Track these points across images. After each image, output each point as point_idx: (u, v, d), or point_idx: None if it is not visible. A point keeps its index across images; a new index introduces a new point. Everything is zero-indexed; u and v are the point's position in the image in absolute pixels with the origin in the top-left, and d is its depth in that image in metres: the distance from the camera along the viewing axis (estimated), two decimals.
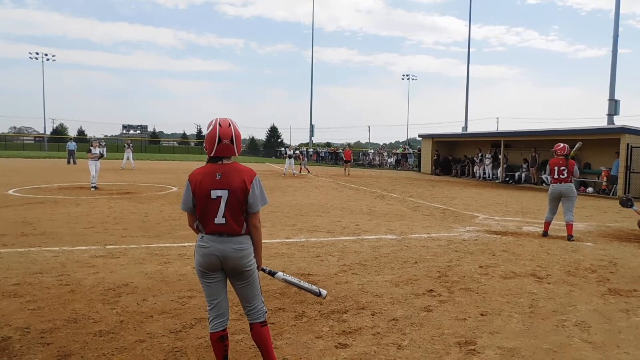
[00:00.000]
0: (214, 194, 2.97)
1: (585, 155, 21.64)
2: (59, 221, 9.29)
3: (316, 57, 56.60)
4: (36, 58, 66.92)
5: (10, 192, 14.10)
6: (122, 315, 4.37)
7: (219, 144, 3.00)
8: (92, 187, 15.06)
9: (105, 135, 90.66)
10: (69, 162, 31.21)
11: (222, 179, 2.99)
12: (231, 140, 3.01)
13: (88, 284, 5.28)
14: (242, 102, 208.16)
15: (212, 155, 3.04)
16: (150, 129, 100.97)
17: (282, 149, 57.94)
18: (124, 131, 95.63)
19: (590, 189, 19.98)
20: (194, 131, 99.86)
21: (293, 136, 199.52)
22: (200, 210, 3.02)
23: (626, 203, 9.27)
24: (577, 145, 9.05)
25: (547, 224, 9.09)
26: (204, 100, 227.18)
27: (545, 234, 9.01)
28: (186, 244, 7.36)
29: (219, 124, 3.02)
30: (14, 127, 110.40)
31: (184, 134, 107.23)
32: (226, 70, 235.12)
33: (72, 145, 32.90)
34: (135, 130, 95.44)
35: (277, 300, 4.91)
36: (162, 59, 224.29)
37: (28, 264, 6.04)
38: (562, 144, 8.89)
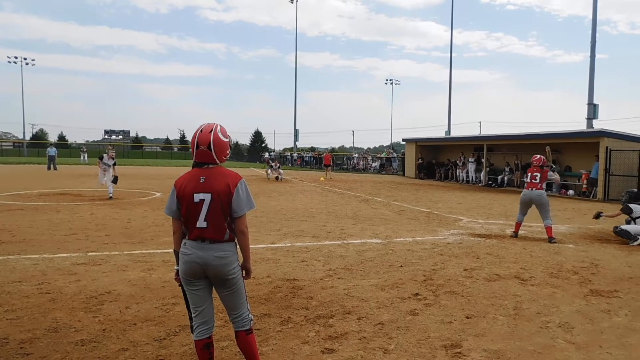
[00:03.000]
0: (197, 197, 2.94)
1: (565, 158, 22.00)
2: (39, 228, 9.11)
3: (299, 62, 56.65)
4: (15, 62, 65.90)
5: None
6: (105, 324, 4.29)
7: (197, 149, 2.99)
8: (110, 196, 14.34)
9: (87, 141, 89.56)
10: (49, 168, 30.69)
11: (206, 182, 2.96)
12: (208, 147, 2.97)
13: (69, 292, 5.18)
14: (226, 107, 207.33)
15: (194, 159, 3.03)
16: (132, 134, 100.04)
17: (266, 154, 57.80)
18: (106, 136, 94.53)
19: (571, 192, 20.29)
20: (177, 136, 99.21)
21: (277, 141, 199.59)
22: (184, 215, 2.99)
23: (597, 216, 9.63)
24: (547, 149, 9.38)
25: (518, 225, 9.39)
26: (187, 105, 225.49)
27: (515, 234, 9.32)
28: (170, 250, 7.27)
29: (200, 130, 2.99)
30: None
31: (167, 139, 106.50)
32: (208, 75, 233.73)
33: (52, 150, 32.36)
34: (118, 136, 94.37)
35: (262, 306, 4.87)
36: (143, 63, 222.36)
37: (6, 272, 5.91)
38: (538, 156, 9.28)
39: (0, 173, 26.60)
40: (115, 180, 14.43)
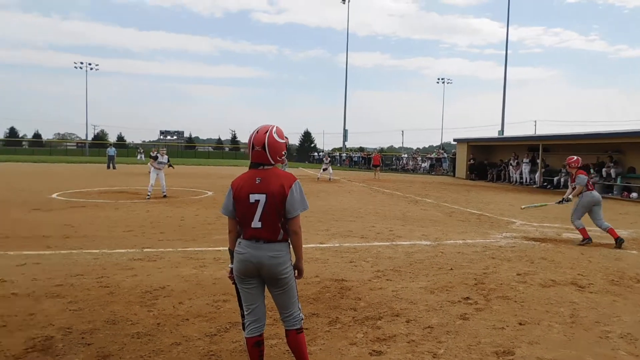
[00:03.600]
0: (252, 198, 3.00)
1: (628, 159, 20.85)
2: (99, 225, 9.57)
3: (349, 62, 56.59)
4: (80, 67, 69.35)
5: (54, 196, 14.62)
6: (159, 318, 4.46)
7: (253, 150, 3.07)
8: (148, 196, 14.40)
9: (143, 141, 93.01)
10: (108, 167, 32.13)
11: (261, 183, 3.02)
12: (263, 147, 3.03)
13: (126, 286, 5.41)
14: (276, 108, 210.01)
15: (251, 160, 3.09)
16: (186, 135, 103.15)
17: (315, 154, 58.07)
18: (161, 137, 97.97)
19: (634, 194, 19.20)
20: (228, 136, 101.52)
21: (326, 141, 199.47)
22: (240, 215, 3.06)
23: None
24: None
25: (584, 230, 8.76)
26: (239, 105, 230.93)
27: (589, 239, 8.65)
28: (221, 248, 7.46)
29: (256, 131, 3.06)
30: (58, 134, 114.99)
31: (219, 139, 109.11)
32: (259, 77, 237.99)
33: (111, 150, 33.91)
34: (172, 136, 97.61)
35: (311, 305, 4.90)
36: (198, 66, 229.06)
37: (70, 265, 6.24)
38: (575, 157, 8.87)
39: (65, 172, 28.13)
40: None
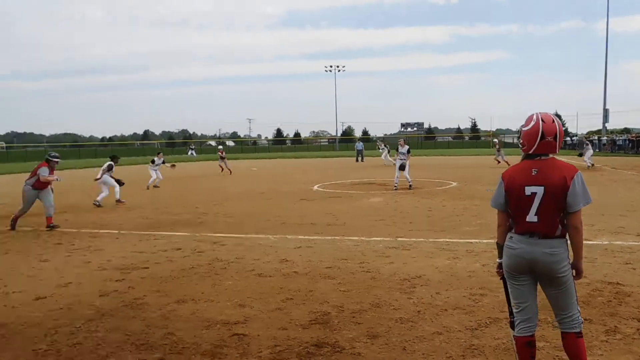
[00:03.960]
0: (528, 190, 2.84)
1: None
2: (354, 214, 10.46)
3: (610, 29, 48.63)
4: (330, 70, 76.73)
5: (315, 187, 16.58)
6: (419, 306, 4.64)
7: (542, 141, 2.85)
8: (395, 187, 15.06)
9: (385, 134, 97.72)
10: (357, 160, 34.78)
11: (538, 175, 2.84)
12: (554, 137, 2.83)
13: (385, 272, 5.78)
14: (519, 90, 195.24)
15: (531, 152, 2.91)
16: (425, 126, 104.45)
17: (568, 138, 51.90)
18: (402, 129, 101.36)
19: None
20: (467, 125, 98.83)
21: (580, 123, 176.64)
22: (513, 208, 2.94)
23: None
24: None
25: None
26: (477, 92, 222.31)
27: None
28: (473, 240, 7.33)
29: (542, 120, 2.85)
30: (313, 132, 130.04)
31: (458, 128, 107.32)
32: (499, 59, 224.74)
33: (359, 145, 36.67)
34: (412, 128, 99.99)
35: (581, 309, 4.42)
36: (434, 56, 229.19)
37: (335, 250, 6.99)
38: None
39: (321, 165, 31.58)
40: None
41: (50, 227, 9.33)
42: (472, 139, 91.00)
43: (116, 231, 9.07)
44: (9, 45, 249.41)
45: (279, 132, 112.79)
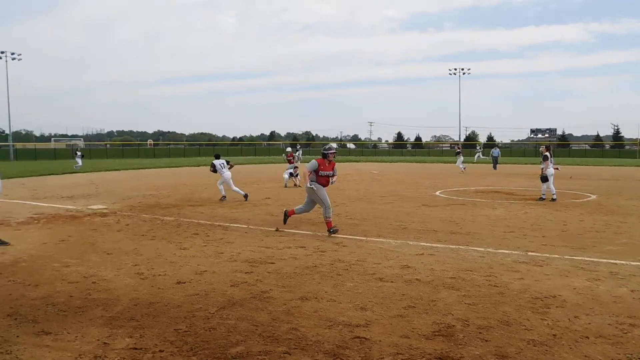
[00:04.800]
0: None
1: None
2: (479, 223, 9.97)
3: None
4: (454, 73, 74.13)
5: (437, 193, 16.13)
6: (554, 329, 4.25)
7: None
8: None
9: (512, 140, 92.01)
10: (494, 168, 32.71)
11: None
12: None
13: (514, 288, 5.41)
14: None
15: None
16: (559, 132, 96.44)
17: None
18: (532, 135, 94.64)
19: None
20: (609, 132, 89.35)
21: None
22: None
23: None
24: None
25: None
26: (621, 96, 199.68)
27: None
28: (617, 261, 6.58)
29: None
30: (434, 136, 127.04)
31: (597, 135, 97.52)
32: None
33: (496, 152, 34.74)
34: (544, 134, 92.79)
35: None
36: (570, 56, 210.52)
37: (459, 260, 6.71)
38: None
39: (441, 171, 30.64)
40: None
41: (332, 231, 8.63)
42: (613, 147, 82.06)
43: (245, 226, 9.65)
44: (156, 55, 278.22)
45: (399, 136, 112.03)
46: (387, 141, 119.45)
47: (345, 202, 13.75)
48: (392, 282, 5.67)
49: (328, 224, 8.70)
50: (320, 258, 6.85)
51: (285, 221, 9.48)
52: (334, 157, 9.04)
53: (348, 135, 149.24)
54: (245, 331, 4.19)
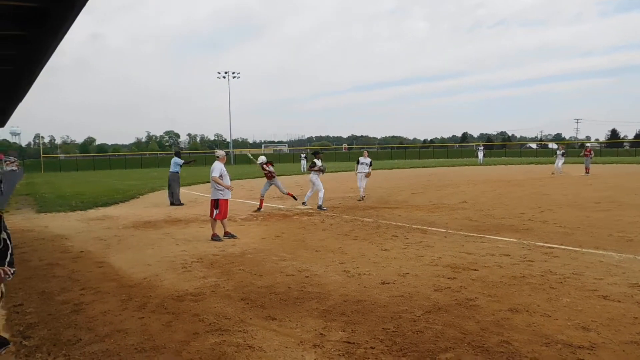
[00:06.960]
0: None
1: None
2: None
3: None
4: None
5: None
6: None
7: None
8: None
9: None
10: None
11: None
12: None
13: None
14: None
15: None
16: None
17: None
18: None
19: None
20: None
21: None
22: None
23: None
24: None
25: None
26: None
27: None
28: None
29: None
30: None
31: None
32: None
33: None
34: None
35: None
36: None
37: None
38: None
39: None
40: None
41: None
42: None
43: (443, 230, 9.51)
44: (349, 64, 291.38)
45: (613, 133, 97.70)
46: (597, 139, 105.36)
47: (552, 207, 12.52)
48: (619, 301, 4.98)
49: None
50: (528, 268, 6.38)
51: None
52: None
53: (550, 134, 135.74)
54: (453, 338, 4.13)
